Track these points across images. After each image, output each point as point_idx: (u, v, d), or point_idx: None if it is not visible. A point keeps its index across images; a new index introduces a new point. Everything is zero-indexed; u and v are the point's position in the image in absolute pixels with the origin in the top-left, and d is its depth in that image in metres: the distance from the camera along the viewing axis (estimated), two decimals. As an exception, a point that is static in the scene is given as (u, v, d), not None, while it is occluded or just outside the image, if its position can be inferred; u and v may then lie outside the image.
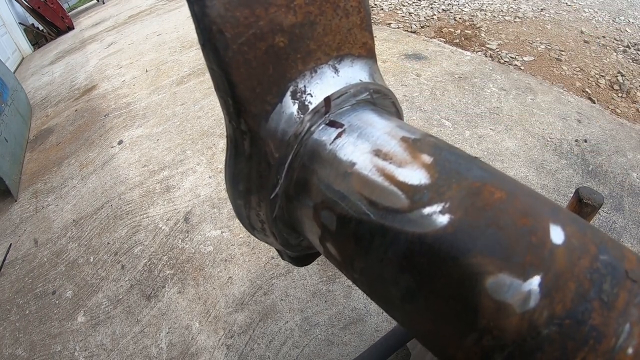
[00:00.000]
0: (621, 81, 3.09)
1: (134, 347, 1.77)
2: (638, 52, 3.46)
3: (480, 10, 4.46)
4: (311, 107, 0.36)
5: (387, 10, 4.86)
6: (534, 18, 4.16)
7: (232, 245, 2.11)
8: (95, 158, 3.25)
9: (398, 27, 4.34)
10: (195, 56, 4.70)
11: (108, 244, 2.34)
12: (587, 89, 3.05)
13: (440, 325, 0.26)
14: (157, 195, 2.61)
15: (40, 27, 9.05)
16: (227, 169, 0.39)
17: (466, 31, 4.05)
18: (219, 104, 0.34)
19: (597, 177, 2.19)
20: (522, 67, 3.33)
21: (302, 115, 0.35)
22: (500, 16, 4.28)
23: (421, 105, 2.89)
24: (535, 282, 0.22)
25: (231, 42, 0.30)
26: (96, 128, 3.75)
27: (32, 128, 4.24)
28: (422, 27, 4.30)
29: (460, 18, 4.35)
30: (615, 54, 3.45)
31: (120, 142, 3.37)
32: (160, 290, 1.99)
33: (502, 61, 3.45)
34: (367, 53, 0.41)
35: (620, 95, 2.99)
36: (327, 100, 0.37)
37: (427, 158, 0.31)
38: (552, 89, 2.98)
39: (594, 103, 2.87)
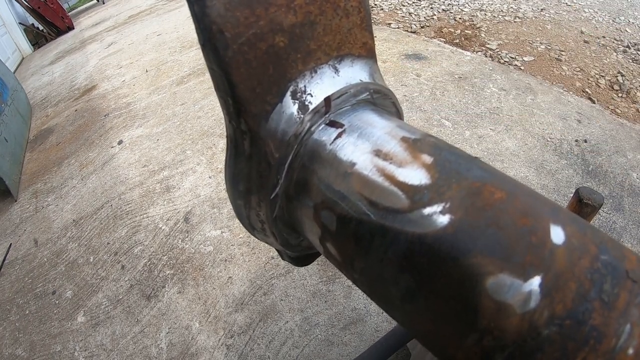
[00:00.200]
0: (621, 81, 3.09)
1: (134, 347, 1.77)
2: (638, 52, 3.46)
3: (480, 11, 4.46)
4: (311, 107, 0.36)
5: (387, 10, 4.86)
6: (534, 18, 4.16)
7: (232, 245, 2.11)
8: (95, 158, 3.25)
9: (398, 27, 4.34)
10: (195, 56, 4.70)
11: (108, 244, 2.34)
12: (587, 89, 3.05)
13: (441, 325, 0.26)
14: (157, 195, 2.61)
15: (40, 27, 9.05)
16: (227, 169, 0.39)
17: (466, 31, 4.05)
18: (218, 104, 0.34)
19: (597, 177, 2.19)
20: (522, 67, 3.33)
21: (302, 115, 0.35)
22: (500, 16, 4.28)
23: (421, 105, 2.89)
24: (535, 282, 0.22)
25: (231, 42, 0.30)
26: (96, 128, 3.75)
27: (32, 128, 4.24)
28: (422, 27, 4.30)
29: (460, 18, 4.35)
30: (615, 54, 3.45)
31: (120, 142, 3.37)
32: (160, 290, 1.99)
33: (502, 61, 3.45)
34: (367, 53, 0.41)
35: (620, 95, 2.99)
36: (327, 100, 0.36)
37: (427, 158, 0.31)
38: (552, 89, 2.98)
39: (594, 103, 2.88)
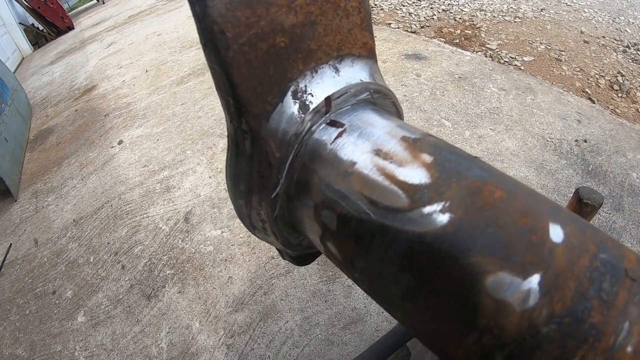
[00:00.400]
0: (621, 81, 3.09)
1: (134, 347, 1.77)
2: (638, 52, 3.46)
3: (480, 11, 4.46)
4: (312, 106, 0.36)
5: (387, 11, 4.86)
6: (533, 18, 4.16)
7: (232, 245, 2.11)
8: (95, 158, 3.25)
9: (398, 27, 4.34)
10: (195, 56, 4.70)
11: (108, 244, 2.34)
12: (587, 89, 3.05)
13: (441, 324, 0.26)
14: (157, 195, 2.61)
15: (40, 27, 9.04)
16: (228, 168, 0.39)
17: (466, 31, 4.05)
18: (219, 104, 0.35)
19: (597, 177, 2.19)
20: (522, 67, 3.33)
21: (302, 115, 0.35)
22: (500, 16, 4.28)
23: (421, 105, 2.89)
24: (535, 280, 0.23)
25: (232, 42, 0.30)
26: (96, 128, 3.75)
27: (32, 128, 4.24)
28: (422, 27, 4.30)
29: (460, 18, 4.35)
30: (615, 54, 3.45)
31: (120, 142, 3.37)
32: (160, 290, 1.99)
33: (502, 61, 3.45)
34: (368, 53, 0.41)
35: (620, 95, 2.99)
36: (328, 100, 0.37)
37: (427, 157, 0.31)
38: (552, 89, 2.98)
39: (594, 103, 2.88)
